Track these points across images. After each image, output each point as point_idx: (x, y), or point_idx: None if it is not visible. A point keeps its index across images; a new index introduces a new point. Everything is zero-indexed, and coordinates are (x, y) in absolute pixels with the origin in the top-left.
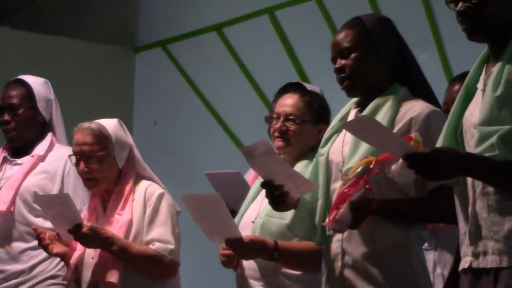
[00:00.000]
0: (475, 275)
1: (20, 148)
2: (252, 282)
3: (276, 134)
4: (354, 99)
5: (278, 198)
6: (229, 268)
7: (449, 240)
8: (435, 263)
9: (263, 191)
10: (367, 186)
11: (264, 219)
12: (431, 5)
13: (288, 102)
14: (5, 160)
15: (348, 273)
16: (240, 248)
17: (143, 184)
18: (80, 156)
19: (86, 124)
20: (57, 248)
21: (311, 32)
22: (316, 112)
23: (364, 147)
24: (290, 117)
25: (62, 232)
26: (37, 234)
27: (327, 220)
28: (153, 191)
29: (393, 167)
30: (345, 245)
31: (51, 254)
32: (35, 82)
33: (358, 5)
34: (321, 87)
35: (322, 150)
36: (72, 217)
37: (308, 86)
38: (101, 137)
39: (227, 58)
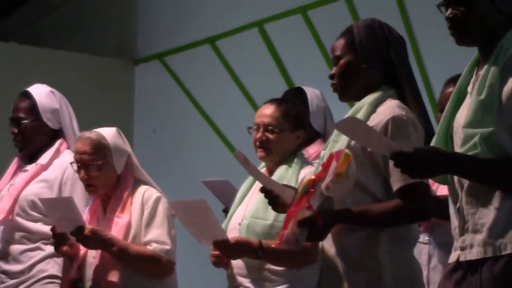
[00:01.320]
0: (463, 268)
1: (32, 155)
2: (241, 279)
3: (257, 144)
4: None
5: (272, 201)
6: (220, 268)
7: (444, 234)
8: (430, 256)
9: (249, 196)
10: (308, 205)
11: (250, 221)
12: (409, 18)
13: (266, 113)
14: (19, 167)
15: (325, 268)
16: (227, 249)
17: (141, 188)
18: (81, 164)
19: (86, 134)
20: (65, 248)
21: (298, 43)
22: (292, 120)
23: (339, 145)
24: (269, 127)
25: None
26: (55, 234)
27: (277, 241)
28: (151, 195)
29: (323, 184)
30: (324, 242)
31: (59, 252)
32: (40, 94)
33: (341, 17)
34: None
35: (322, 153)
36: (74, 220)
37: (308, 90)
38: (100, 146)
39: (220, 69)
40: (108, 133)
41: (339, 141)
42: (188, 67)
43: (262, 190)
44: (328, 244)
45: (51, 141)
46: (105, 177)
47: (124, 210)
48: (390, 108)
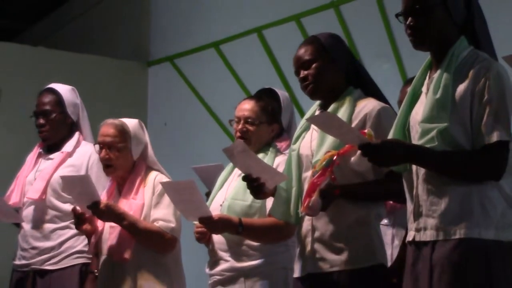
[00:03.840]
0: (417, 246)
1: (52, 145)
2: (221, 253)
3: (238, 134)
4: (318, 102)
5: (257, 189)
6: (202, 243)
7: (405, 217)
8: (393, 236)
9: (229, 180)
10: (332, 176)
11: (230, 202)
12: (390, 24)
13: (246, 107)
14: (40, 155)
15: (318, 246)
16: (210, 225)
17: (153, 174)
18: (103, 145)
19: (111, 120)
20: (85, 226)
21: (293, 47)
22: (269, 115)
23: (328, 141)
24: (249, 120)
25: (82, 207)
26: (75, 213)
27: (301, 208)
28: (160, 180)
29: (352, 158)
30: (315, 222)
31: (80, 230)
32: (64, 90)
33: (330, 24)
34: (299, 91)
35: (293, 146)
36: (91, 195)
37: (279, 91)
38: (123, 131)
39: (224, 70)
40: (131, 122)
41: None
42: (196, 68)
43: (245, 178)
44: (319, 223)
45: (70, 132)
46: (123, 160)
47: (138, 193)
48: (374, 102)
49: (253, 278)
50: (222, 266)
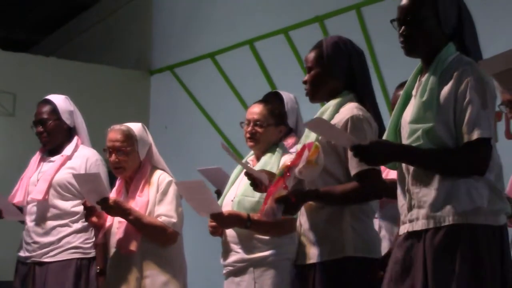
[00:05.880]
0: (410, 237)
1: (53, 149)
2: (233, 245)
3: (248, 135)
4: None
5: (253, 182)
6: (216, 236)
7: (391, 210)
8: (380, 227)
9: (239, 178)
10: (284, 185)
11: (240, 198)
12: (370, 37)
13: (255, 111)
14: (42, 158)
15: (302, 240)
16: (221, 220)
17: (157, 173)
18: (112, 150)
19: (117, 126)
20: (94, 219)
21: (281, 57)
22: (277, 117)
23: (310, 139)
24: (258, 122)
25: (92, 203)
26: (86, 206)
27: (258, 214)
28: (164, 179)
29: (296, 169)
30: (300, 218)
31: (89, 222)
32: (58, 99)
33: (315, 36)
34: None
35: (298, 146)
36: (100, 192)
37: (284, 94)
38: (129, 136)
39: (219, 78)
40: (135, 126)
41: (309, 136)
42: (194, 77)
43: (246, 174)
44: (303, 220)
45: (68, 137)
46: (131, 161)
47: (143, 191)
48: (350, 109)
49: (261, 268)
50: (233, 257)
